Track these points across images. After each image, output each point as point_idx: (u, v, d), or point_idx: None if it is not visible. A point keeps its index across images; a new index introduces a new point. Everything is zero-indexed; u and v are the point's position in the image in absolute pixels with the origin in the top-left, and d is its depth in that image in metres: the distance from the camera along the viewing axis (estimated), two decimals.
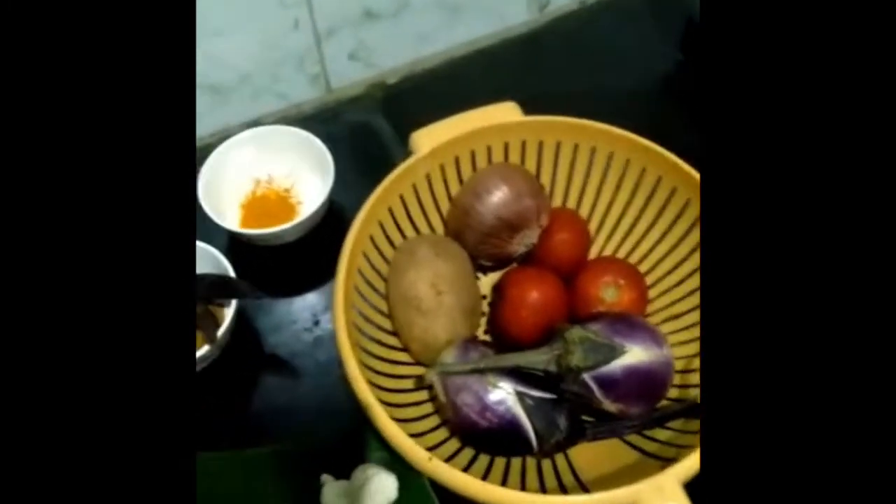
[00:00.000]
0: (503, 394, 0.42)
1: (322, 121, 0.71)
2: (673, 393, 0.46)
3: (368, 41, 0.69)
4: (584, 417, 0.46)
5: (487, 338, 0.53)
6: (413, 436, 0.43)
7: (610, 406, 0.43)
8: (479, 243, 0.50)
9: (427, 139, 0.50)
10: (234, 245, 0.61)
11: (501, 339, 0.51)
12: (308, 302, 0.59)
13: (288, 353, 0.57)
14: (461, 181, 0.52)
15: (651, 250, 0.52)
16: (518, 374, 0.43)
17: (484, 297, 0.54)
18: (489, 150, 0.52)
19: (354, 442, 0.46)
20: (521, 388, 0.43)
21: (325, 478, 0.45)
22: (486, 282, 0.55)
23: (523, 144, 0.53)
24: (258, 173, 0.64)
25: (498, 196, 0.49)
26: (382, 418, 0.39)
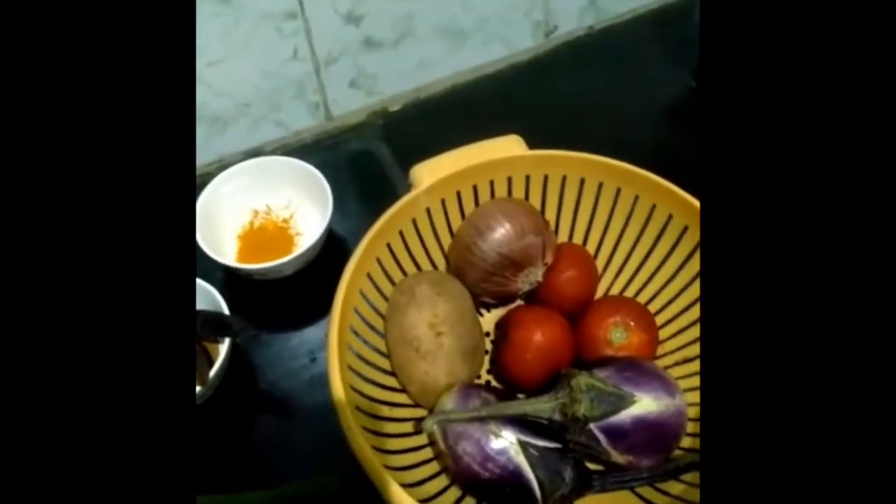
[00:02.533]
0: (505, 443, 0.40)
1: (322, 149, 0.70)
2: (686, 442, 0.44)
3: (369, 69, 0.68)
4: (591, 466, 0.43)
5: (490, 377, 0.50)
6: (412, 484, 0.42)
7: (619, 457, 0.41)
8: (482, 281, 0.48)
9: (428, 173, 0.49)
10: (230, 278, 0.59)
11: (504, 380, 0.49)
12: (306, 337, 0.58)
13: (284, 391, 0.55)
14: (463, 215, 0.51)
15: (661, 289, 0.50)
16: (521, 423, 0.41)
17: (487, 334, 0.52)
18: (492, 184, 0.50)
19: (353, 486, 0.44)
20: (525, 438, 0.41)
21: None
22: (490, 318, 0.53)
23: (527, 178, 0.51)
24: (256, 204, 0.63)
25: (500, 233, 0.47)
26: (377, 471, 0.37)
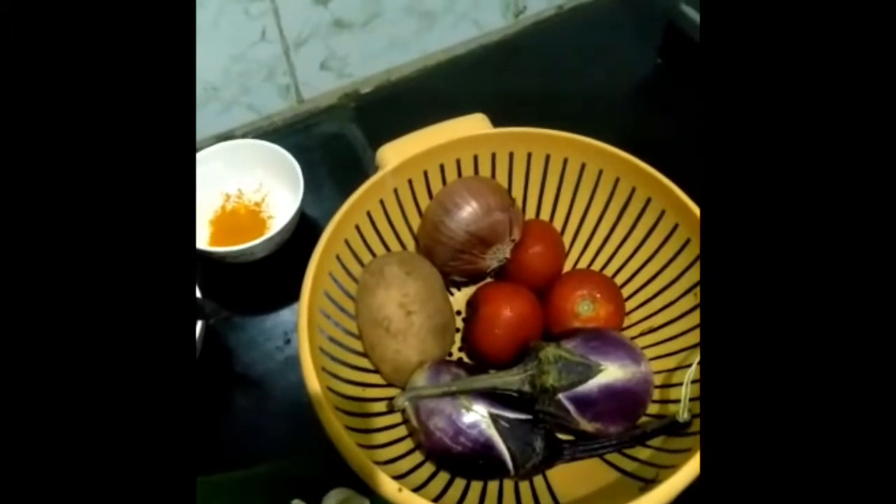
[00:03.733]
0: (477, 416, 0.41)
1: (294, 132, 0.70)
2: (653, 409, 0.45)
3: (340, 50, 0.68)
4: (562, 436, 0.44)
5: (462, 354, 0.51)
6: (385, 462, 0.42)
7: (587, 426, 0.42)
8: (451, 259, 0.49)
9: (394, 154, 0.49)
10: (202, 262, 0.59)
11: (476, 356, 0.50)
12: (280, 319, 0.58)
13: (259, 373, 0.55)
14: (431, 195, 0.51)
15: (626, 262, 0.51)
16: (492, 396, 0.42)
17: (458, 312, 0.52)
18: (458, 162, 0.51)
19: (327, 465, 0.45)
20: (496, 410, 0.42)
21: (297, 503, 0.43)
22: (460, 297, 0.54)
23: (493, 156, 0.51)
24: (228, 188, 0.63)
25: (468, 211, 0.47)
26: (351, 450, 0.38)
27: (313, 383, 0.40)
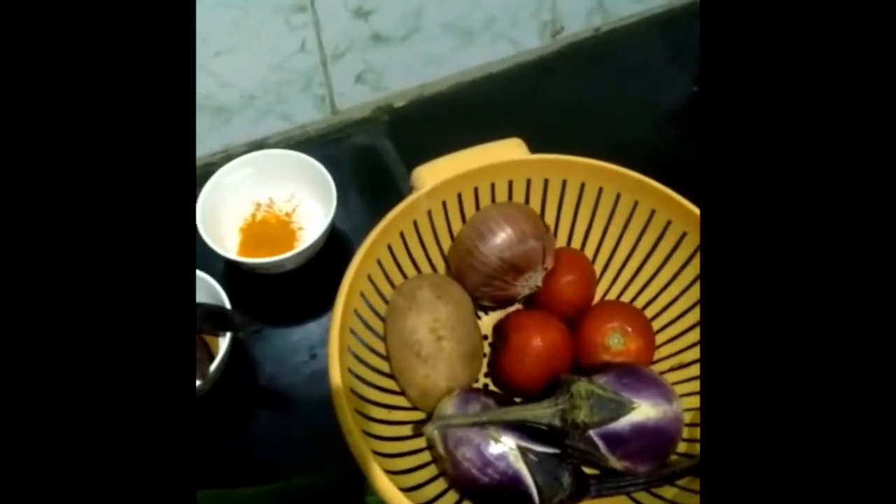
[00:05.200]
0: (505, 448, 0.41)
1: (326, 143, 0.70)
2: (681, 447, 0.44)
3: (376, 64, 0.68)
4: (589, 470, 0.44)
5: (488, 381, 0.51)
6: (409, 489, 0.42)
7: (616, 463, 0.41)
8: (482, 285, 0.48)
9: (430, 175, 0.49)
10: (231, 270, 0.59)
11: (502, 384, 0.49)
12: (307, 332, 0.58)
13: (284, 386, 0.55)
14: (464, 218, 0.51)
15: (658, 295, 0.51)
16: (521, 428, 0.42)
17: (485, 337, 0.52)
18: (493, 186, 0.51)
19: (350, 482, 0.45)
20: (524, 443, 0.41)
21: None
22: (487, 321, 0.53)
23: (528, 182, 0.51)
24: (259, 197, 0.63)
25: (502, 237, 0.47)
26: (377, 474, 0.38)
27: (342, 405, 0.40)
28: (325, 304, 0.58)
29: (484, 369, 0.51)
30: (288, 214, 0.62)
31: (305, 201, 0.62)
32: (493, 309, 0.53)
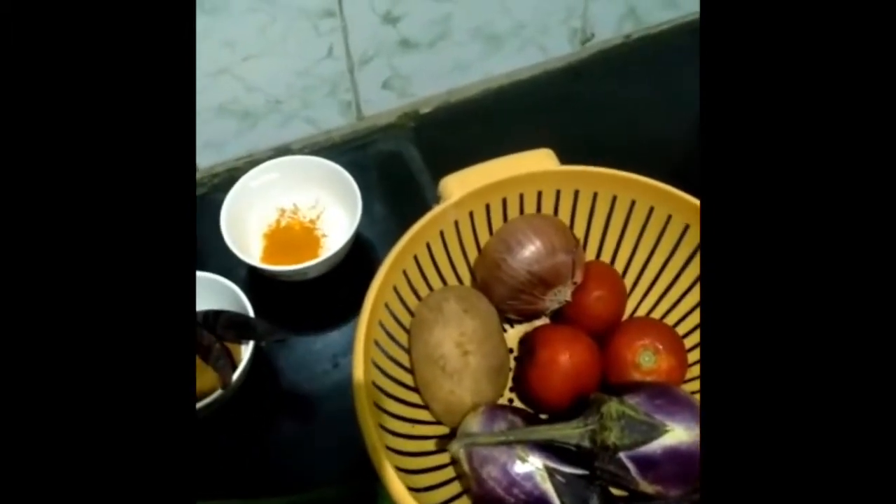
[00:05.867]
0: (531, 468, 0.40)
1: (352, 149, 0.69)
2: None
3: (403, 70, 0.67)
4: (617, 492, 0.43)
5: (513, 396, 0.50)
6: None
7: (647, 487, 0.40)
8: (509, 298, 0.47)
9: (457, 185, 0.48)
10: (254, 277, 0.59)
11: (528, 400, 0.48)
12: (329, 341, 0.57)
13: (306, 395, 0.54)
14: (491, 229, 0.50)
15: (690, 312, 0.49)
16: (548, 448, 0.41)
17: (511, 350, 0.51)
18: (522, 197, 0.50)
19: (372, 496, 0.44)
20: (551, 463, 0.40)
21: None
22: (513, 334, 0.52)
23: (557, 193, 0.50)
24: (283, 203, 0.62)
25: (531, 250, 0.46)
26: (400, 492, 0.37)
27: (366, 420, 0.39)
28: (348, 313, 0.57)
29: (509, 384, 0.50)
30: (312, 221, 0.62)
31: (330, 208, 0.62)
32: (519, 322, 0.52)
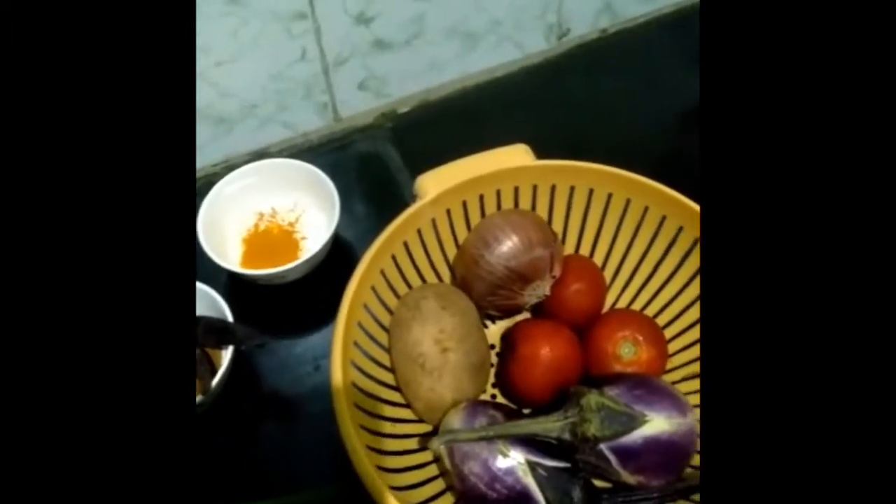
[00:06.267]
0: (513, 463, 0.40)
1: (329, 151, 0.69)
2: (696, 460, 0.43)
3: (378, 70, 0.67)
4: (600, 484, 0.43)
5: (496, 391, 0.50)
6: None
7: (629, 478, 0.40)
8: (488, 294, 0.47)
9: (433, 183, 0.48)
10: (233, 281, 0.58)
11: (510, 395, 0.48)
12: (310, 343, 0.57)
13: (288, 399, 0.54)
14: (469, 226, 0.50)
15: (670, 302, 0.49)
16: (529, 442, 0.41)
17: (492, 346, 0.51)
18: (498, 193, 0.49)
19: (357, 496, 0.44)
20: (533, 457, 0.40)
21: None
22: (495, 330, 0.52)
23: (534, 188, 0.50)
24: (261, 207, 0.62)
25: (508, 246, 0.46)
26: (382, 492, 0.36)
27: (346, 422, 0.39)
28: (329, 315, 0.56)
29: (492, 379, 0.50)
30: (291, 224, 0.61)
31: (309, 210, 0.62)
32: (500, 318, 0.52)
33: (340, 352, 0.40)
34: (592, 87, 0.74)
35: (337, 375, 0.40)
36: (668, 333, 0.49)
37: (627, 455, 0.39)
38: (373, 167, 0.68)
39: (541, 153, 0.50)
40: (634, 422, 0.39)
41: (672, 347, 0.49)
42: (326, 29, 0.61)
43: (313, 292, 0.58)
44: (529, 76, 0.75)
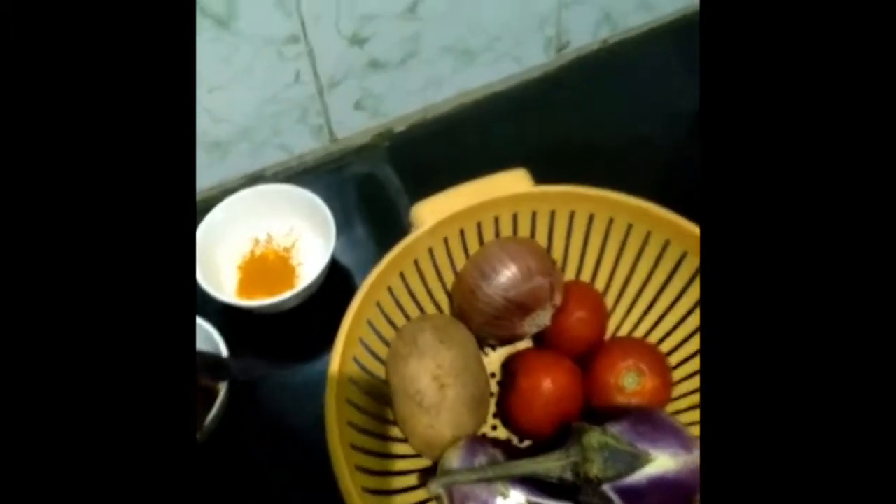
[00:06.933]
0: None
1: (326, 172, 0.68)
2: None
3: (374, 90, 0.66)
4: None
5: (496, 422, 0.48)
6: None
7: None
8: (487, 325, 0.46)
9: (429, 212, 0.46)
10: (228, 311, 0.57)
11: (511, 426, 0.47)
12: (309, 373, 0.56)
13: (287, 432, 0.53)
14: (467, 253, 0.49)
15: (674, 329, 0.48)
16: (530, 481, 0.39)
17: (493, 374, 0.50)
18: (496, 220, 0.48)
19: None
20: (534, 498, 0.39)
21: None
22: (495, 358, 0.51)
23: (534, 214, 0.49)
24: (257, 232, 0.61)
25: (506, 276, 0.45)
26: None
27: (342, 468, 0.38)
28: (326, 344, 0.55)
29: (493, 409, 0.48)
30: (287, 250, 0.60)
31: (305, 236, 0.61)
32: (501, 345, 0.51)
33: (334, 394, 0.40)
34: (594, 99, 0.73)
35: (331, 419, 0.39)
36: (673, 361, 0.48)
37: (632, 496, 0.38)
38: (370, 188, 0.67)
39: (541, 168, 0.49)
40: (638, 461, 0.38)
41: (677, 375, 0.47)
42: (320, 51, 0.60)
43: (311, 320, 0.57)
44: (529, 90, 0.73)
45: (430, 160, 0.68)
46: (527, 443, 0.47)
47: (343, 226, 0.57)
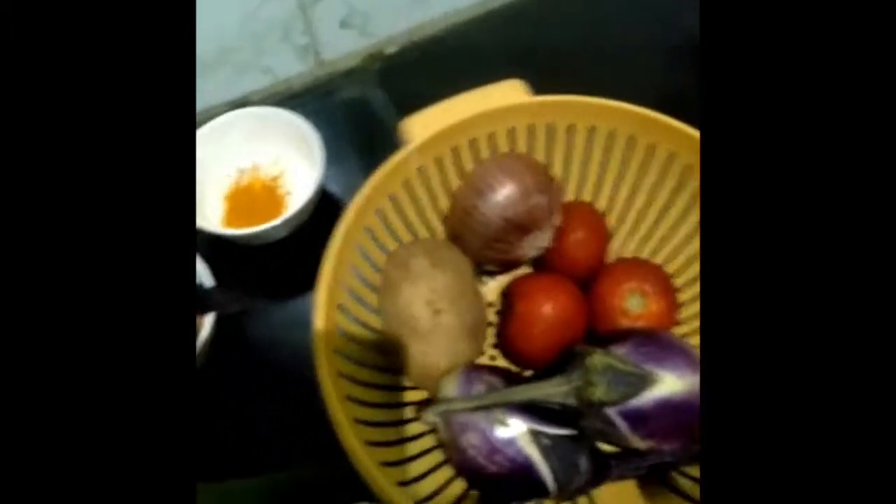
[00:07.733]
0: (514, 432, 0.37)
1: (314, 97, 0.65)
2: None
3: (361, 6, 0.62)
4: (609, 447, 0.40)
5: (496, 352, 0.47)
6: (413, 480, 0.38)
7: (639, 443, 0.37)
8: (483, 248, 0.44)
9: (420, 127, 0.43)
10: (214, 244, 0.55)
11: (511, 356, 0.45)
12: (299, 306, 0.54)
13: (277, 368, 0.51)
14: (461, 174, 0.46)
15: (680, 249, 0.46)
16: (531, 409, 0.37)
17: (490, 304, 0.48)
18: (492, 136, 0.45)
19: (350, 475, 0.41)
20: (535, 426, 0.37)
21: None
22: (494, 286, 0.49)
23: (531, 129, 0.46)
24: (242, 162, 0.58)
25: (503, 194, 0.42)
26: (371, 473, 0.34)
27: (332, 399, 0.36)
28: (316, 275, 0.54)
29: (492, 340, 0.46)
30: (274, 179, 0.58)
31: (292, 164, 0.58)
32: (499, 273, 0.49)
33: (324, 320, 0.37)
34: (591, 13, 0.68)
35: (320, 348, 0.37)
36: (679, 282, 0.45)
37: (637, 419, 0.36)
38: (361, 114, 0.64)
39: (538, 89, 0.46)
40: (644, 383, 0.36)
41: (683, 296, 0.45)
42: None
43: (300, 251, 0.55)
44: (524, 5, 0.69)
45: (424, 83, 0.63)
46: (528, 373, 0.45)
47: (333, 154, 0.54)
